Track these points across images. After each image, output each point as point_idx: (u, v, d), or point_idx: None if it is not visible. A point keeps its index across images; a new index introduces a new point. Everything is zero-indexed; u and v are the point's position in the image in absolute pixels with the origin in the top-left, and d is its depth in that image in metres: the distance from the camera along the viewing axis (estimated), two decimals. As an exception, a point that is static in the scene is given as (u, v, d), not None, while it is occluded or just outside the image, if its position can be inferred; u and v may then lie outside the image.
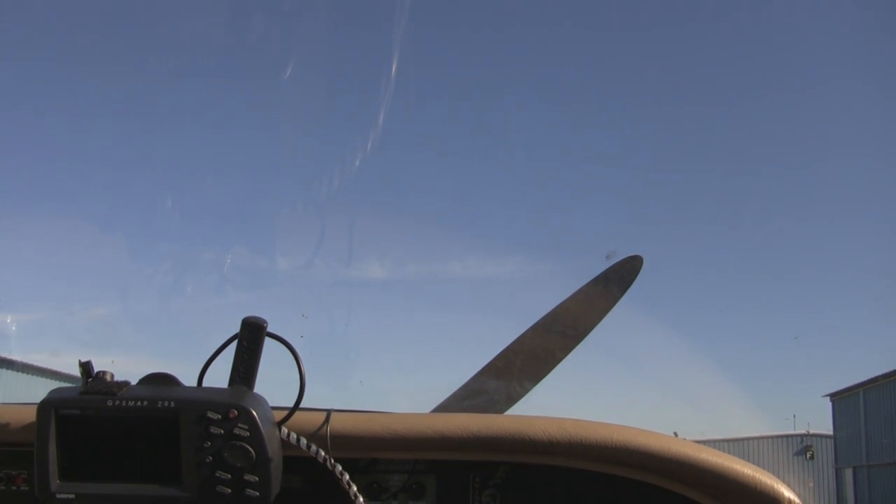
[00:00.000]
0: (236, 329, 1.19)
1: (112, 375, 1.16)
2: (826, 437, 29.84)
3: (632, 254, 1.66)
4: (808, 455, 30.12)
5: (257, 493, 1.11)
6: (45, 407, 1.12)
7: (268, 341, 1.19)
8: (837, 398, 27.87)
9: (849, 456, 27.03)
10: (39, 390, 1.20)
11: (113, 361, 1.22)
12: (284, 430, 1.21)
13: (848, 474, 27.35)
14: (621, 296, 1.64)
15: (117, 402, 1.11)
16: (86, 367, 1.17)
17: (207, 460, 1.10)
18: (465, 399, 1.60)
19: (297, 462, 1.23)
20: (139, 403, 1.11)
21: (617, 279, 1.64)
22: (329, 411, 1.26)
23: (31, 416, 1.17)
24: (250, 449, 1.11)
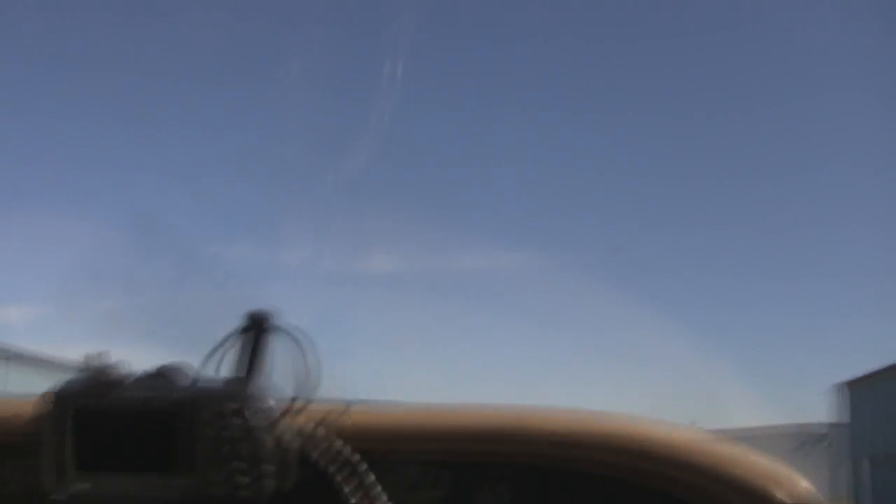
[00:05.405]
0: (242, 321, 1.19)
1: (115, 369, 1.16)
2: (837, 427, 29.74)
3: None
4: (824, 445, 30.04)
5: (262, 487, 1.11)
6: (49, 399, 1.13)
7: (273, 333, 1.19)
8: (850, 388, 27.76)
9: (862, 447, 26.94)
10: (43, 383, 1.20)
11: (116, 355, 1.21)
12: (287, 424, 1.20)
13: (861, 465, 27.25)
14: None
15: (119, 397, 1.11)
16: (90, 359, 1.17)
17: (212, 454, 1.10)
18: None
19: (302, 456, 1.22)
20: (141, 397, 1.11)
21: None
22: (332, 407, 1.25)
23: (35, 408, 1.17)
24: (252, 444, 1.10)
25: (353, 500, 1.17)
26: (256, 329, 1.18)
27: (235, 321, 1.20)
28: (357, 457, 1.23)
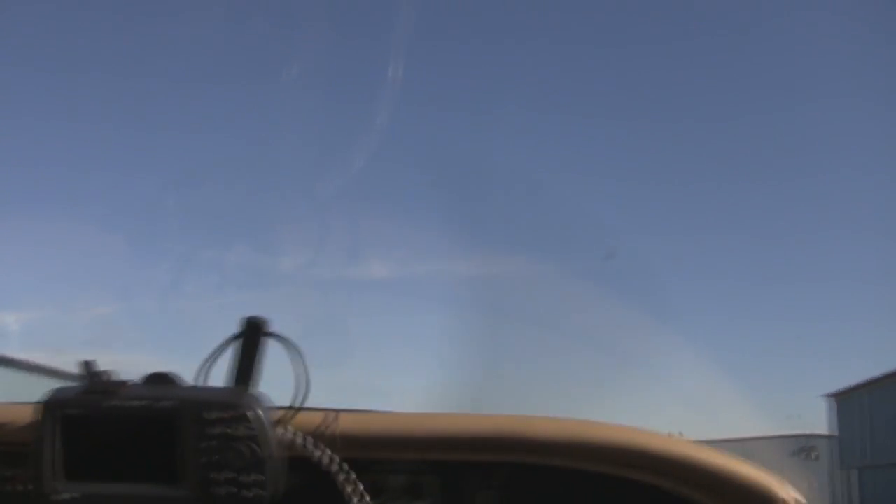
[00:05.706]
0: (237, 328, 1.19)
1: (112, 375, 1.16)
2: (827, 437, 29.78)
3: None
4: (813, 456, 30.07)
5: (257, 493, 1.11)
6: (44, 406, 1.12)
7: (268, 341, 1.19)
8: (839, 398, 27.83)
9: (851, 457, 26.99)
10: (39, 389, 1.20)
11: (113, 361, 1.22)
12: (284, 429, 1.21)
13: (850, 475, 27.31)
14: None
15: (117, 402, 1.11)
16: (86, 366, 1.17)
17: (207, 460, 1.10)
18: None
19: (297, 462, 1.23)
20: (139, 403, 1.11)
21: None
22: (329, 411, 1.26)
23: (30, 415, 1.17)
24: (250, 449, 1.11)
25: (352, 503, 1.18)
26: (252, 335, 1.19)
27: (231, 327, 1.21)
28: (348, 463, 1.24)
